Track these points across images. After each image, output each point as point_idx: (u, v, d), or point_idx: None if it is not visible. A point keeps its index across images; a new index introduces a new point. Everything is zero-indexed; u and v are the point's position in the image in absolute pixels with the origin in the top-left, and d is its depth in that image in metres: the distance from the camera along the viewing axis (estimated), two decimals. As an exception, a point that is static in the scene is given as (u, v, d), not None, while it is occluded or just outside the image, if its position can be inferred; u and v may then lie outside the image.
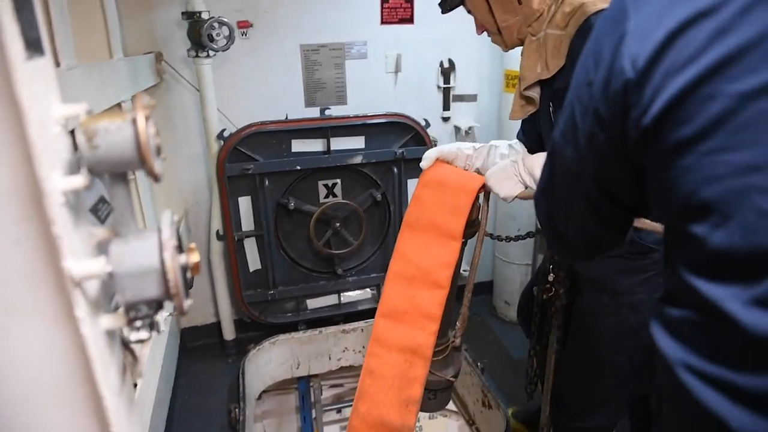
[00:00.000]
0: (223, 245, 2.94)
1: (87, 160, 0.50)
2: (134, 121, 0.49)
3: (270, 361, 2.99)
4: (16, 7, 0.46)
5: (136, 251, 0.54)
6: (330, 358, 3.12)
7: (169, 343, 2.64)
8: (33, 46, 0.49)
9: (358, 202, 2.96)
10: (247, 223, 2.88)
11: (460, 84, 3.21)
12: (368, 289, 3.23)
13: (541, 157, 1.41)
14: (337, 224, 2.96)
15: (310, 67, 2.97)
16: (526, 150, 1.70)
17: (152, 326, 0.57)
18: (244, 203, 2.84)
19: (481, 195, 1.58)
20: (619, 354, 1.66)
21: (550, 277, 1.79)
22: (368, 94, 3.09)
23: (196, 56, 2.57)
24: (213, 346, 3.25)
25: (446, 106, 3.24)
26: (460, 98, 3.25)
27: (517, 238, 2.13)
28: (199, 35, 2.45)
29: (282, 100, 2.96)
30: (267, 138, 2.74)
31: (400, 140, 2.93)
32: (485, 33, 1.66)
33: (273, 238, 2.91)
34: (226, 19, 2.50)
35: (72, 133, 0.56)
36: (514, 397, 2.75)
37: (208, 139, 2.75)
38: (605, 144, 0.72)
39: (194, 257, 0.57)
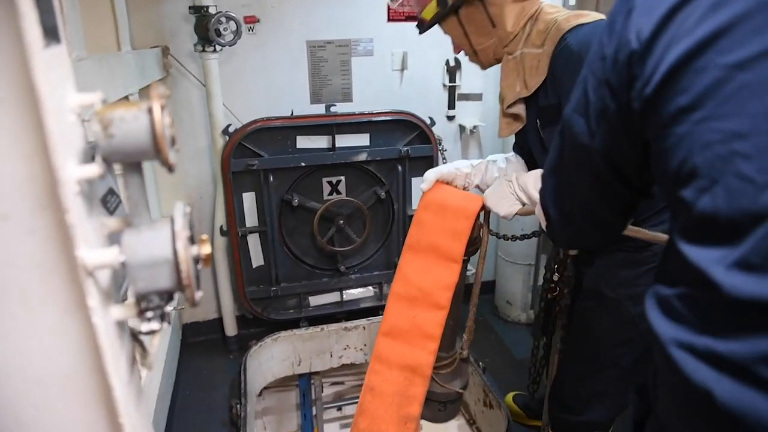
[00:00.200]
0: (227, 241, 2.94)
1: (102, 149, 0.50)
2: (150, 111, 0.49)
3: (272, 358, 2.99)
4: (35, -6, 0.45)
5: (149, 242, 0.54)
6: (331, 356, 3.12)
7: (171, 338, 2.64)
8: (50, 33, 0.49)
9: (362, 200, 2.96)
10: (251, 218, 2.88)
11: (465, 83, 3.20)
12: (371, 287, 3.22)
13: (533, 176, 1.45)
14: (341, 221, 2.95)
15: (316, 63, 2.97)
16: (523, 162, 1.74)
17: (163, 317, 0.57)
18: (248, 199, 2.84)
19: (482, 214, 1.61)
20: (619, 346, 1.66)
21: (555, 277, 1.79)
22: (374, 92, 3.09)
23: (203, 51, 2.57)
24: (215, 341, 3.25)
25: (451, 105, 3.24)
26: (466, 97, 3.24)
27: (523, 237, 2.13)
28: (206, 30, 2.44)
29: (287, 96, 2.95)
30: (272, 134, 2.74)
31: (405, 138, 2.92)
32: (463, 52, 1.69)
33: (276, 234, 2.91)
34: (233, 14, 2.50)
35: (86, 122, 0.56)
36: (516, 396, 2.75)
37: (214, 134, 2.75)
38: (615, 116, 0.75)
39: (206, 249, 0.57)
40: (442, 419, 1.81)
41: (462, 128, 3.28)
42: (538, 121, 1.56)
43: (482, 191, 1.64)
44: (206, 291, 3.19)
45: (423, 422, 1.69)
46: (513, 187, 1.50)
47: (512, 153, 1.79)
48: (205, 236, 0.58)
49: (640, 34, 0.67)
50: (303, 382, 3.19)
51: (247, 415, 2.41)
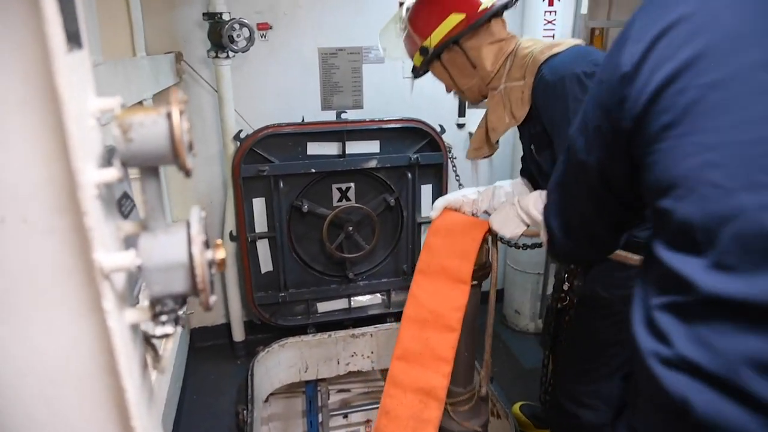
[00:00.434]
0: (236, 246, 2.95)
1: (121, 153, 0.51)
2: (169, 116, 0.50)
3: (279, 364, 2.99)
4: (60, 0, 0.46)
5: (165, 246, 0.54)
6: (338, 363, 3.11)
7: (179, 342, 2.65)
8: (73, 38, 0.49)
9: (372, 207, 2.96)
10: (261, 224, 2.89)
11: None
12: (379, 294, 3.22)
13: (533, 197, 1.51)
14: (350, 228, 2.96)
15: (328, 70, 2.98)
16: (530, 185, 1.81)
17: (177, 321, 0.57)
18: (258, 205, 2.85)
19: (489, 238, 1.66)
20: (612, 347, 1.68)
21: (565, 286, 1.79)
22: (384, 99, 3.10)
23: (216, 57, 2.59)
24: (222, 347, 3.25)
25: (462, 113, 3.24)
26: (475, 105, 3.25)
27: (533, 246, 2.12)
28: (220, 36, 2.46)
29: (299, 102, 2.97)
30: (283, 140, 2.75)
31: (415, 146, 2.93)
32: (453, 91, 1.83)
33: (286, 240, 2.92)
34: (246, 21, 2.52)
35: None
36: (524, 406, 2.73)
37: (225, 139, 2.77)
38: (608, 134, 0.81)
39: (220, 253, 0.58)
40: None
41: (471, 136, 3.28)
42: (533, 146, 1.66)
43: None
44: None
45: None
46: (516, 210, 1.54)
47: (519, 178, 1.85)
48: (219, 241, 0.58)
49: (631, 58, 0.74)
50: (309, 389, 3.18)
51: (254, 421, 2.41)
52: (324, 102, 3.03)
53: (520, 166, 1.88)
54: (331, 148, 2.83)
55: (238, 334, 3.16)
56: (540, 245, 2.37)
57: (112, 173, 0.51)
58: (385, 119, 2.86)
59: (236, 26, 2.48)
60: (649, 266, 0.77)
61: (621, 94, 0.75)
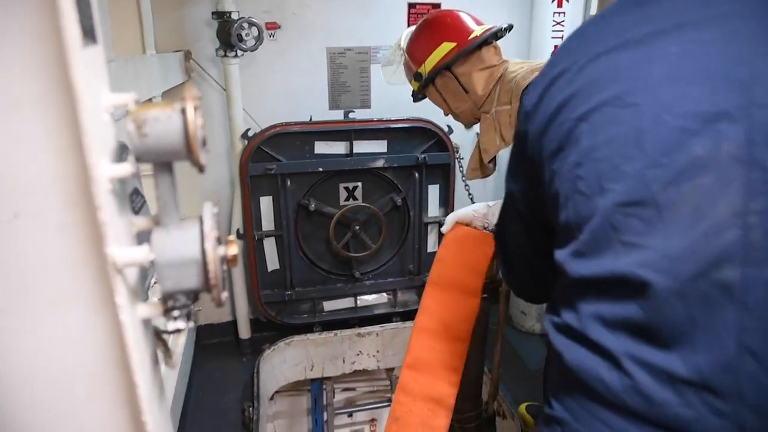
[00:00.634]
0: (243, 244, 2.96)
1: (135, 148, 0.51)
2: (183, 111, 0.50)
3: (284, 362, 3.00)
4: (76, -6, 0.46)
5: (178, 241, 0.54)
6: (344, 361, 3.12)
7: (186, 339, 2.65)
8: (88, 33, 0.50)
9: (379, 206, 2.96)
10: (268, 222, 2.90)
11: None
12: (385, 294, 3.22)
13: None
14: (357, 227, 2.96)
15: (336, 69, 2.99)
16: None
17: (189, 316, 0.57)
18: (265, 203, 2.86)
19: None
20: None
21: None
22: (392, 99, 3.08)
23: (224, 56, 2.59)
24: (228, 344, 3.26)
25: (470, 114, 3.23)
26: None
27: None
28: (229, 35, 2.47)
29: (306, 101, 2.97)
30: (290, 139, 2.76)
31: (423, 145, 2.93)
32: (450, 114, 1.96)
33: (292, 238, 2.92)
34: (255, 20, 2.52)
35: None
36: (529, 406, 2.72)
37: (233, 138, 2.77)
38: (523, 162, 1.00)
39: (232, 250, 0.58)
40: None
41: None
42: None
43: None
44: (221, 293, 3.20)
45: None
46: None
47: None
48: (231, 237, 0.58)
49: (531, 101, 0.95)
50: (315, 387, 3.19)
51: (260, 419, 2.42)
52: (332, 101, 3.03)
53: None
54: (338, 148, 2.84)
55: (244, 332, 3.16)
56: None
57: (126, 168, 0.52)
58: (392, 119, 2.86)
59: (245, 25, 2.49)
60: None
61: (525, 129, 0.96)
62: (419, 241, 3.10)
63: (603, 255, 0.81)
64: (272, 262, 2.98)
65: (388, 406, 3.20)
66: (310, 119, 2.81)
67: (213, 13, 2.57)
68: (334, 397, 3.21)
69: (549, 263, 1.08)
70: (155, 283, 0.87)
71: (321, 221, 2.94)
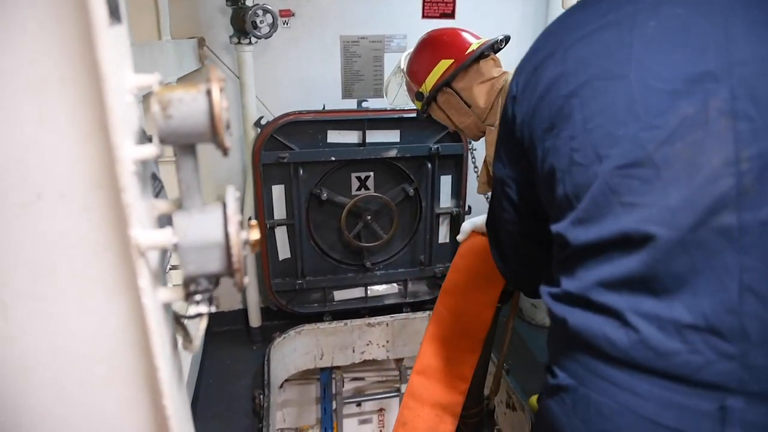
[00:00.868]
0: (255, 232, 2.95)
1: (160, 129, 0.50)
2: (209, 93, 0.49)
3: (294, 350, 3.01)
4: (102, -28, 0.46)
5: (201, 225, 0.53)
6: (354, 351, 3.13)
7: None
8: (114, 12, 0.49)
9: (391, 196, 2.95)
10: (279, 211, 2.90)
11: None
12: (395, 284, 3.22)
13: None
14: (368, 217, 2.95)
15: (349, 58, 2.97)
16: None
17: (211, 301, 0.57)
18: (277, 191, 2.85)
19: None
20: None
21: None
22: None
23: (238, 43, 2.58)
24: (238, 332, 3.27)
25: (483, 104, 3.21)
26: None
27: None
28: (243, 22, 2.46)
29: (320, 90, 2.96)
30: (303, 127, 2.75)
31: (436, 136, 2.91)
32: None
33: (304, 227, 2.92)
34: (270, 7, 2.51)
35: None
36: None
37: (246, 126, 2.77)
38: (512, 148, 1.04)
39: (255, 234, 0.57)
40: None
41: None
42: None
43: None
44: (231, 281, 3.21)
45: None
46: None
47: None
48: (254, 222, 0.58)
49: (517, 86, 1.00)
50: (324, 376, 3.21)
51: (270, 406, 2.43)
52: (345, 90, 3.02)
53: None
54: (351, 137, 2.83)
55: (255, 320, 3.17)
56: None
57: (151, 150, 0.51)
58: (405, 108, 2.83)
59: (259, 12, 2.48)
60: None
61: (513, 113, 1.01)
62: (431, 231, 3.09)
63: (604, 218, 0.85)
64: (283, 251, 2.98)
65: (397, 396, 3.21)
66: (323, 108, 2.80)
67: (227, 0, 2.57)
68: (343, 387, 3.22)
69: (540, 250, 1.14)
70: (170, 268, 0.87)
71: (333, 211, 2.94)
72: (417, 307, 3.17)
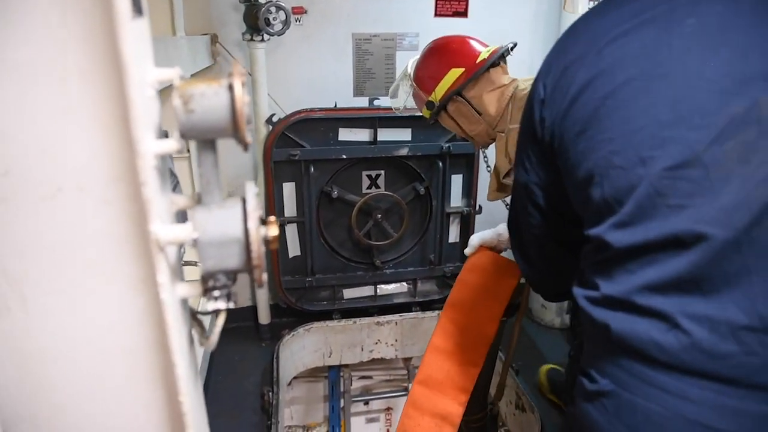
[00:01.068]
0: (265, 229, 2.96)
1: (181, 124, 0.50)
2: (231, 87, 0.49)
3: (303, 348, 3.01)
4: (126, -35, 0.45)
5: (220, 220, 0.53)
6: (362, 349, 3.12)
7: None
8: (136, 5, 0.49)
9: (401, 195, 2.95)
10: (290, 209, 2.89)
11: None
12: (404, 283, 3.21)
13: None
14: (379, 215, 2.95)
15: (361, 56, 2.96)
16: None
17: (229, 297, 0.56)
18: (288, 189, 2.85)
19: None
20: None
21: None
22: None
23: (251, 40, 2.58)
24: (247, 329, 3.27)
25: (495, 104, 3.19)
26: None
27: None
28: (256, 18, 2.46)
29: (331, 88, 2.95)
30: (315, 125, 2.75)
31: (447, 135, 2.89)
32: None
33: (314, 225, 2.92)
34: (283, 4, 2.51)
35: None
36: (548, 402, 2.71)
37: (257, 123, 2.77)
38: (537, 153, 1.03)
39: (273, 230, 0.57)
40: None
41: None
42: None
43: None
44: (242, 278, 3.22)
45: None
46: None
47: None
48: (272, 218, 0.57)
49: (545, 89, 0.98)
50: (332, 374, 3.20)
51: (279, 403, 2.43)
52: (356, 88, 3.01)
53: None
54: (362, 135, 2.82)
55: (264, 317, 3.17)
56: None
57: (172, 144, 0.51)
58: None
59: (272, 9, 2.48)
60: (583, 249, 0.99)
61: (541, 116, 0.98)
62: (441, 230, 3.08)
63: (650, 221, 0.84)
64: (293, 249, 2.98)
65: (405, 395, 3.21)
66: (335, 106, 2.79)
67: (240, -4, 2.57)
68: (351, 385, 3.22)
69: (566, 252, 1.13)
70: (183, 264, 0.87)
71: (343, 209, 2.93)
72: (426, 306, 3.16)
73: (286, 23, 2.53)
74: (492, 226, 2.03)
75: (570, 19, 2.84)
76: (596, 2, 1.58)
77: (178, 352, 0.57)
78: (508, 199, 1.86)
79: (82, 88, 0.50)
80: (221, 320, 0.57)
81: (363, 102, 2.90)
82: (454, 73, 1.75)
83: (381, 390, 3.46)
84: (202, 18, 2.69)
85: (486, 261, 1.77)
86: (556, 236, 1.15)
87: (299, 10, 2.79)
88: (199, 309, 0.63)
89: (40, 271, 0.56)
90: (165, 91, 0.90)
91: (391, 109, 2.77)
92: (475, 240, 1.80)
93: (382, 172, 2.93)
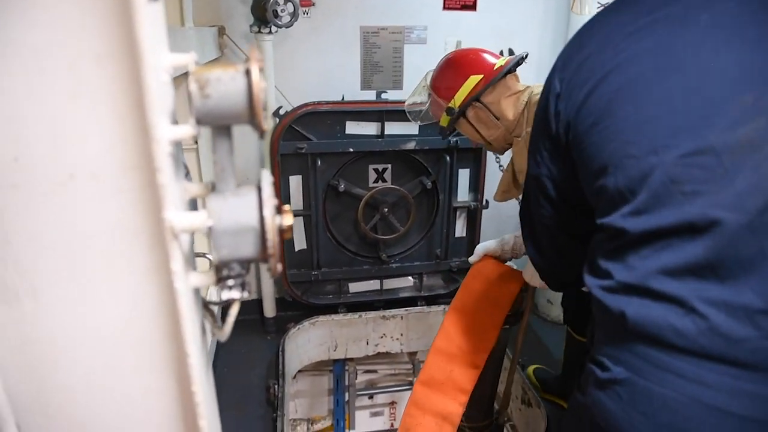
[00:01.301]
0: (271, 222, 2.95)
1: (197, 109, 0.49)
2: (248, 72, 0.48)
3: (309, 341, 3.01)
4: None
5: (235, 208, 0.52)
6: (368, 343, 3.12)
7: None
8: (152, -12, 0.48)
9: (408, 189, 2.93)
10: (296, 202, 2.89)
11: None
12: (410, 277, 3.20)
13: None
14: (385, 209, 2.93)
15: (369, 49, 2.95)
16: None
17: (243, 286, 0.55)
18: (295, 182, 2.84)
19: (527, 286, 1.81)
20: None
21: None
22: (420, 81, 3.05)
23: (259, 32, 2.57)
24: (253, 322, 3.27)
25: (503, 98, 3.17)
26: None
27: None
28: (264, 10, 2.44)
29: (338, 81, 2.94)
30: (322, 118, 2.73)
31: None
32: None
33: (320, 219, 2.91)
34: (291, -4, 2.49)
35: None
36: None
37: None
38: (550, 146, 1.05)
39: (288, 219, 0.56)
40: None
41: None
42: None
43: None
44: (247, 271, 3.21)
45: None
46: None
47: None
48: (287, 206, 0.56)
49: (560, 83, 0.99)
50: (338, 368, 3.20)
51: (284, 396, 2.43)
52: (364, 81, 3.00)
53: None
54: (369, 128, 2.80)
55: (270, 311, 3.17)
56: None
57: (187, 130, 0.50)
58: (420, 102, 2.81)
59: (281, 1, 2.46)
60: (593, 240, 1.01)
61: (556, 109, 1.00)
62: (448, 225, 3.07)
63: (664, 208, 0.85)
64: (299, 242, 2.98)
65: (409, 389, 3.20)
66: (342, 99, 2.78)
67: (248, -12, 2.55)
68: (356, 378, 3.22)
69: (576, 243, 1.15)
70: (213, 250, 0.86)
71: (349, 202, 2.92)
72: (432, 300, 3.15)
73: (294, 15, 2.52)
74: (499, 221, 2.04)
75: (577, 19, 2.82)
76: (606, 2, 1.61)
77: (192, 342, 0.57)
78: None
79: (96, 73, 0.49)
80: (235, 310, 0.56)
81: (370, 95, 2.88)
82: (473, 80, 1.82)
83: (386, 384, 3.46)
84: (210, 9, 2.68)
85: (489, 268, 1.84)
86: (567, 228, 1.17)
87: (307, 3, 2.78)
88: (212, 299, 0.63)
89: (51, 260, 0.56)
90: (176, 80, 0.89)
91: (399, 102, 2.77)
92: (480, 249, 1.89)
93: (389, 165, 2.92)
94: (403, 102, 2.76)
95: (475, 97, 1.82)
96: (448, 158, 2.91)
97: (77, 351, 0.59)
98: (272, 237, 0.51)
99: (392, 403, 3.60)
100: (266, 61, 2.64)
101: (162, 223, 0.51)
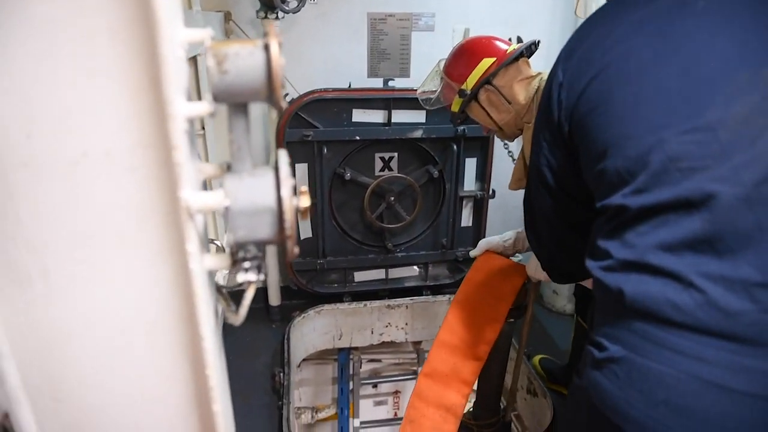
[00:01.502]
0: (276, 210, 2.94)
1: (214, 85, 0.48)
2: (267, 47, 0.46)
3: (314, 330, 3.00)
4: None
5: (252, 188, 0.51)
6: (372, 332, 3.11)
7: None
8: (169, -41, 0.46)
9: (414, 178, 2.91)
10: (302, 190, 2.87)
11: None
12: (416, 267, 3.19)
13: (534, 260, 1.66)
14: (392, 198, 2.92)
15: (376, 36, 2.92)
16: None
17: (260, 269, 0.54)
18: (301, 170, 2.83)
19: (530, 281, 1.83)
20: None
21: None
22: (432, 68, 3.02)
23: (265, 17, 2.54)
24: (258, 310, 3.26)
25: (510, 87, 3.15)
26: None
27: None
28: (271, -5, 2.42)
29: (345, 68, 2.91)
30: (328, 105, 2.71)
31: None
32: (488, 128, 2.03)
33: (326, 207, 2.90)
34: (298, -19, 2.47)
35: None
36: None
37: (270, 103, 2.74)
38: (551, 136, 1.08)
39: (305, 201, 0.55)
40: None
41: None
42: None
43: None
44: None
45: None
46: None
47: None
48: (304, 188, 0.55)
49: (563, 73, 1.02)
50: (342, 356, 3.20)
51: (290, 384, 2.43)
52: (371, 69, 2.97)
53: None
54: (376, 116, 2.78)
55: (275, 299, 3.16)
56: None
57: (204, 107, 0.49)
58: (432, 89, 2.79)
59: (288, -14, 2.44)
60: (593, 227, 1.02)
61: (559, 98, 1.03)
62: (454, 214, 3.05)
63: (663, 185, 0.86)
64: (305, 231, 2.96)
65: (413, 379, 3.21)
66: (349, 86, 2.76)
67: (255, -27, 2.53)
68: (360, 367, 3.22)
69: (575, 233, 1.16)
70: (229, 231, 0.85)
71: (355, 191, 2.91)
72: (437, 290, 3.14)
73: (301, 1, 2.50)
74: (505, 211, 2.05)
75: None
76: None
77: (206, 325, 0.56)
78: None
79: (110, 48, 0.48)
80: (251, 293, 0.55)
81: (377, 83, 2.86)
82: (486, 62, 1.84)
83: (390, 373, 3.46)
84: (216, -5, 2.66)
85: (492, 262, 1.87)
86: (567, 217, 1.18)
87: (314, -11, 2.75)
88: (228, 282, 0.62)
89: (63, 240, 0.55)
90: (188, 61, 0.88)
91: (406, 89, 2.75)
92: (482, 244, 1.93)
93: (396, 154, 2.90)
94: (411, 90, 2.75)
95: (487, 80, 1.83)
96: (455, 147, 2.89)
97: (89, 333, 0.58)
98: (290, 218, 0.50)
99: (396, 393, 3.60)
100: (273, 47, 2.62)
101: (177, 203, 0.50)
